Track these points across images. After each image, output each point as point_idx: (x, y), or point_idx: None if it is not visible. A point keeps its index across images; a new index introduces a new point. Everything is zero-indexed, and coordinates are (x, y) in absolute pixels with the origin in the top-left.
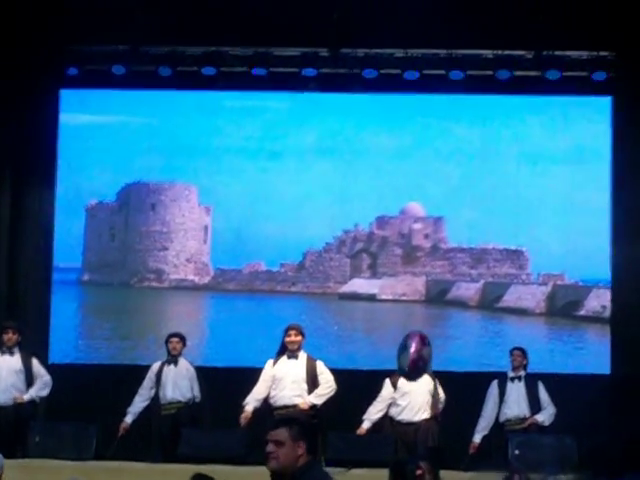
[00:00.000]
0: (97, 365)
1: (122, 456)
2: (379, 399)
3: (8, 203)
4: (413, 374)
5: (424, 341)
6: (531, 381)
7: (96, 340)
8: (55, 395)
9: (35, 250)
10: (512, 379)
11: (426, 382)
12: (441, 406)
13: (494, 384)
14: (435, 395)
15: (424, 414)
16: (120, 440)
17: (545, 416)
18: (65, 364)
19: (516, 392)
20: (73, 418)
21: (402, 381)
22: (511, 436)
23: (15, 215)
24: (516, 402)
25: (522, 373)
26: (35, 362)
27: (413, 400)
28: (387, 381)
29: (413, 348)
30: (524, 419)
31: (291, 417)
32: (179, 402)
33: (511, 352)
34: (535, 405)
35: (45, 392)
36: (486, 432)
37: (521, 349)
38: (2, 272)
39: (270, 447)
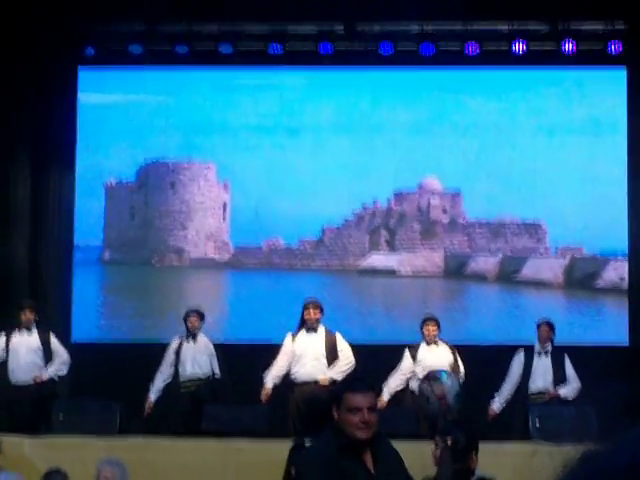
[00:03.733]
0: (119, 343)
1: (146, 432)
2: (399, 370)
3: (29, 183)
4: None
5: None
6: (558, 355)
7: (118, 319)
8: (78, 373)
9: (56, 230)
10: (539, 353)
11: (445, 353)
12: (462, 378)
13: (520, 354)
14: (455, 367)
15: None
16: (144, 417)
17: (569, 390)
18: (88, 343)
19: (542, 366)
20: (97, 396)
21: (422, 353)
22: (532, 408)
23: (35, 195)
24: (542, 376)
25: (549, 347)
26: (53, 339)
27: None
28: (406, 352)
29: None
30: (548, 392)
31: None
32: (199, 378)
33: (538, 326)
34: (561, 379)
35: (64, 371)
36: (506, 400)
37: (549, 323)
38: (24, 252)
39: (367, 415)
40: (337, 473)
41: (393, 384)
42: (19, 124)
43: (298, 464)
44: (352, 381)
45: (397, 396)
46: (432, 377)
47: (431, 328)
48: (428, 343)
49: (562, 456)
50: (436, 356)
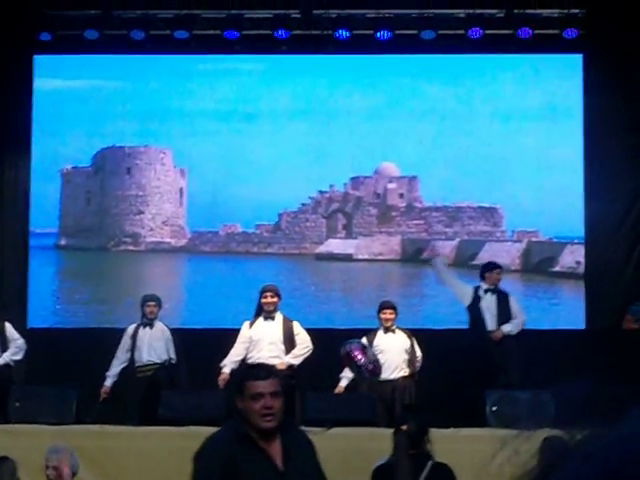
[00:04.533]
0: (76, 329)
1: (102, 419)
2: None
3: None
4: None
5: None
6: (502, 295)
7: (74, 304)
8: (34, 360)
9: (12, 216)
10: (485, 291)
11: (402, 340)
12: (418, 364)
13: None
14: (412, 353)
15: (401, 372)
16: (101, 404)
17: (512, 326)
18: (44, 329)
19: (489, 305)
20: (53, 382)
21: (378, 339)
22: (488, 392)
23: None
24: (490, 315)
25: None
26: (8, 326)
27: (390, 358)
28: (364, 339)
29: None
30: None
31: (264, 366)
32: (155, 364)
33: (491, 269)
34: (506, 317)
35: (19, 356)
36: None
37: (500, 266)
38: None
39: (269, 401)
40: (232, 465)
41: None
42: None
43: (195, 456)
44: (253, 368)
45: (355, 381)
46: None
47: (388, 314)
48: (385, 330)
49: (518, 442)
50: (393, 343)
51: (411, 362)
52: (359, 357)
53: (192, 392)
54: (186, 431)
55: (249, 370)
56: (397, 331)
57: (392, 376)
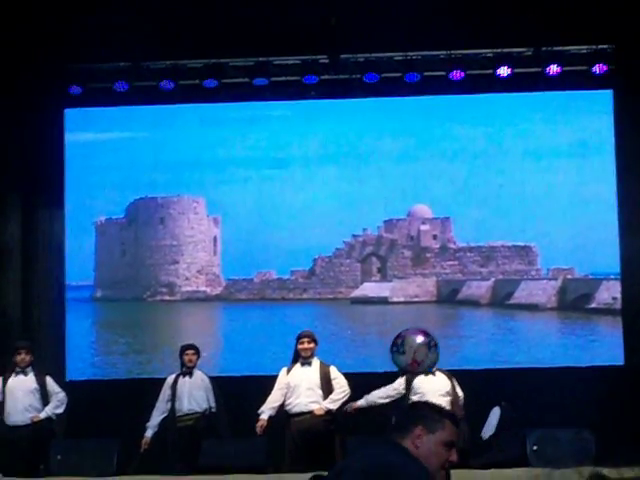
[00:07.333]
0: (114, 380)
1: (144, 470)
2: (389, 387)
3: (19, 224)
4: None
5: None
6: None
7: (112, 355)
8: (74, 412)
9: (47, 270)
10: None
11: (443, 382)
12: (461, 404)
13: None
14: (454, 394)
15: None
16: (142, 454)
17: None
18: (83, 381)
19: None
20: (93, 434)
21: (419, 381)
22: (528, 431)
23: (26, 236)
24: None
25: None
26: (49, 380)
27: (431, 400)
28: (400, 379)
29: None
30: None
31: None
32: (196, 412)
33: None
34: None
35: (61, 409)
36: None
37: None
38: (16, 293)
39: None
40: None
41: (377, 396)
42: (7, 166)
43: None
44: None
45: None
46: (429, 341)
47: None
48: (425, 373)
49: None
50: (433, 386)
51: (454, 404)
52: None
53: (232, 440)
54: (227, 478)
55: None
56: (437, 373)
57: None
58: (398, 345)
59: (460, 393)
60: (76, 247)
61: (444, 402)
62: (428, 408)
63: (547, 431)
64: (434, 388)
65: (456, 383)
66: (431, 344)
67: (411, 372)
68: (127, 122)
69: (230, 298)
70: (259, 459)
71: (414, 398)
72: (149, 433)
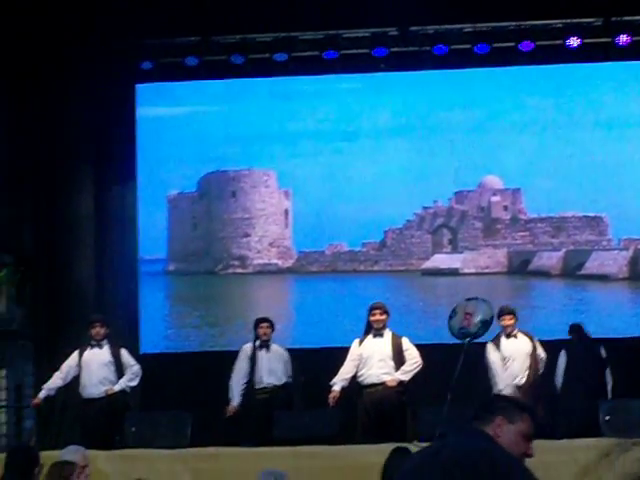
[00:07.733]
0: (187, 353)
1: (217, 442)
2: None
3: (92, 199)
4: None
5: None
6: None
7: (185, 328)
8: (148, 385)
9: (120, 243)
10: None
11: (525, 344)
12: (542, 364)
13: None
14: (535, 357)
15: (523, 379)
16: (219, 425)
17: None
18: (156, 353)
19: None
20: (167, 406)
21: (503, 345)
22: (601, 402)
23: (99, 210)
24: None
25: None
26: (124, 353)
27: (514, 364)
28: (488, 345)
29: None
30: None
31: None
32: (274, 386)
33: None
34: None
35: (135, 382)
36: None
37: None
38: (90, 267)
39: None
40: None
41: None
42: (80, 142)
43: None
44: None
45: None
46: (476, 297)
47: (507, 320)
48: (507, 335)
49: (626, 450)
50: (517, 347)
51: (532, 366)
52: (471, 321)
53: (304, 411)
54: (300, 450)
55: None
56: (519, 335)
57: (515, 382)
58: (450, 315)
59: (542, 354)
60: (149, 221)
61: (526, 366)
62: (508, 401)
63: (619, 401)
64: (517, 350)
65: (538, 344)
66: (479, 298)
67: (467, 329)
68: (197, 96)
69: (301, 270)
70: (331, 430)
71: (497, 362)
72: (235, 402)
